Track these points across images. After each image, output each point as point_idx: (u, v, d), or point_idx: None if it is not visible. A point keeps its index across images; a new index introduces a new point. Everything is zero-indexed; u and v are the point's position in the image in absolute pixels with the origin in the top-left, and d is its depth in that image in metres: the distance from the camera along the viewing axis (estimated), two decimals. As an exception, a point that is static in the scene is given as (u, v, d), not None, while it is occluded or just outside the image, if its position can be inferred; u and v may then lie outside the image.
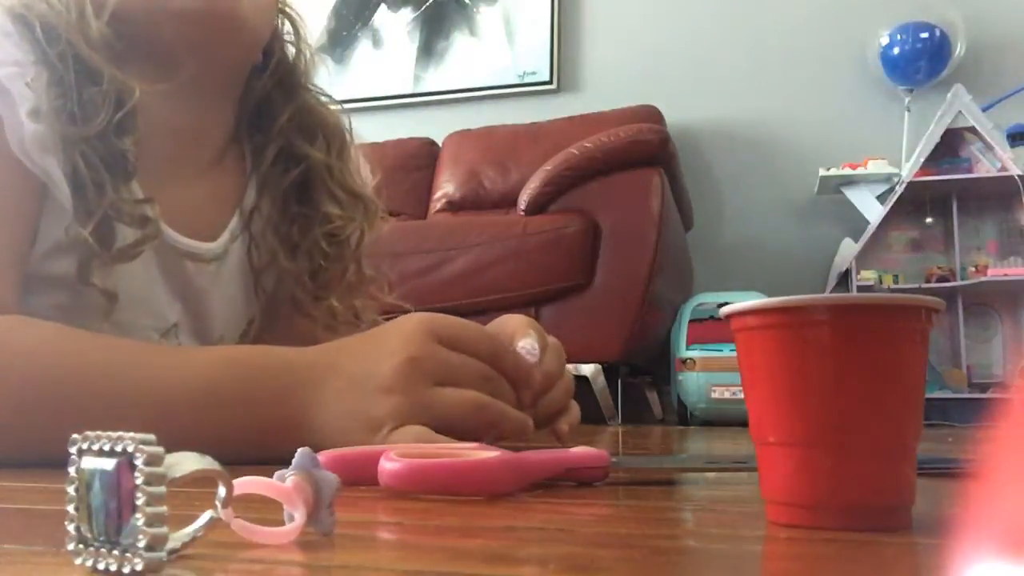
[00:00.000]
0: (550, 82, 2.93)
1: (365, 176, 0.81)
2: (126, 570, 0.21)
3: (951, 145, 2.31)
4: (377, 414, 0.51)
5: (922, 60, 2.45)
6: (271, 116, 0.73)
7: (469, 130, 2.81)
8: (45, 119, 0.58)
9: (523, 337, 0.58)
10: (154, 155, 0.64)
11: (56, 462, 0.41)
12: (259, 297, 0.75)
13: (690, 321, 2.18)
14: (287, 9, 0.76)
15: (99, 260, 0.59)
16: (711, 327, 2.13)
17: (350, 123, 0.79)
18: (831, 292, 2.37)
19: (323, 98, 0.77)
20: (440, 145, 2.84)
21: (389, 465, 0.39)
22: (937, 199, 2.36)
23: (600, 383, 2.04)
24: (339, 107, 0.79)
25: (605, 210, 2.02)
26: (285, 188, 0.74)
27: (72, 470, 0.22)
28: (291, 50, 0.75)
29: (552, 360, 0.60)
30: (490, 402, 0.52)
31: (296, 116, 0.74)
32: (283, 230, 0.74)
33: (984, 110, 2.27)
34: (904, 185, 2.27)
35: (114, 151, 0.60)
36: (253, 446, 0.51)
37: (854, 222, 2.45)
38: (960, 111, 2.24)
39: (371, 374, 0.52)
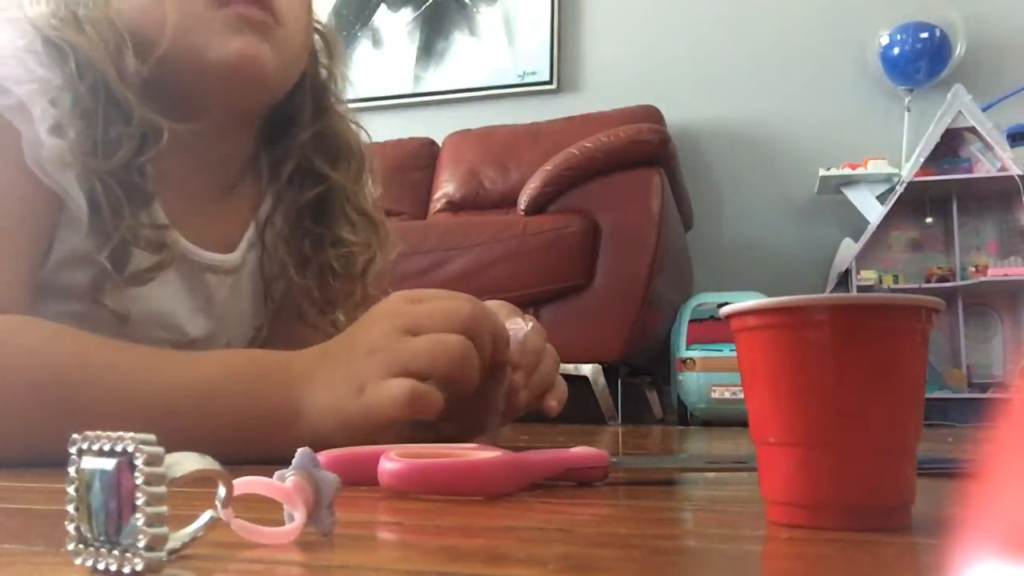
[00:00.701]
0: (550, 82, 2.93)
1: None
2: (126, 570, 0.21)
3: (951, 145, 2.31)
4: (359, 375, 0.53)
5: (922, 60, 2.45)
6: (292, 132, 0.74)
7: (469, 130, 2.81)
8: (66, 136, 0.58)
9: (507, 320, 0.60)
10: (174, 178, 0.65)
11: (56, 462, 0.41)
12: (268, 306, 0.76)
13: (690, 321, 2.18)
14: (323, 29, 0.76)
15: (112, 282, 0.60)
16: (711, 327, 2.13)
17: (371, 155, 0.79)
18: (831, 292, 2.37)
19: (349, 119, 0.78)
20: (440, 145, 2.84)
21: (389, 465, 0.39)
22: (937, 199, 2.36)
23: (600, 383, 2.04)
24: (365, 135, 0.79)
25: (605, 210, 2.02)
26: (301, 204, 0.74)
27: (72, 470, 0.22)
28: (323, 72, 0.75)
29: (535, 337, 0.61)
30: (455, 340, 0.52)
31: (319, 136, 0.74)
32: (295, 244, 0.74)
33: (984, 110, 2.27)
34: (904, 185, 2.28)
35: (134, 179, 0.61)
36: (254, 441, 0.52)
37: (854, 222, 2.45)
38: (960, 111, 2.24)
39: (354, 342, 0.55)
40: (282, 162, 0.74)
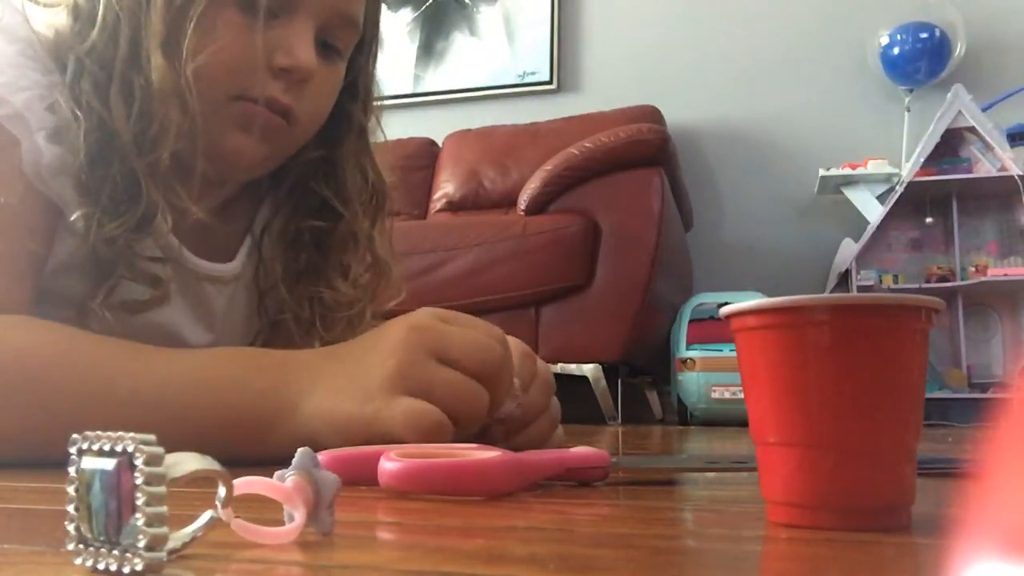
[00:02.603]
0: (550, 82, 2.93)
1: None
2: (126, 570, 0.21)
3: (951, 145, 2.31)
4: (370, 382, 0.51)
5: (922, 60, 2.45)
6: (298, 152, 0.71)
7: (469, 130, 2.81)
8: (64, 142, 0.58)
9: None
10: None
11: (46, 461, 0.41)
12: (262, 316, 0.75)
13: (690, 321, 2.18)
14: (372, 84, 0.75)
15: (98, 313, 0.59)
16: (711, 327, 2.13)
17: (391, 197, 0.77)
18: (831, 292, 2.37)
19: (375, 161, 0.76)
20: (440, 145, 2.84)
21: (389, 465, 0.39)
22: (937, 199, 2.36)
23: (600, 383, 2.04)
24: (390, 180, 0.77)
25: (605, 210, 2.02)
26: (301, 225, 0.73)
27: (72, 470, 0.22)
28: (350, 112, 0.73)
29: (536, 394, 0.59)
30: (480, 392, 0.51)
31: (327, 163, 0.72)
32: (290, 264, 0.73)
33: (984, 110, 2.27)
34: (904, 185, 2.28)
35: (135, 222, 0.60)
36: (245, 437, 0.51)
37: (854, 222, 2.46)
38: (960, 111, 2.25)
39: (370, 347, 0.53)
40: (283, 177, 0.72)
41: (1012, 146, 2.26)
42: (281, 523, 0.26)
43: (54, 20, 0.60)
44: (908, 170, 2.31)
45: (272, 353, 0.57)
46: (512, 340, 0.58)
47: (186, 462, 0.23)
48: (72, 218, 0.58)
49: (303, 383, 0.53)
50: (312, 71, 0.62)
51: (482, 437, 0.56)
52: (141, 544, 0.21)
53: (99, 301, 0.59)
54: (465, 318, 0.54)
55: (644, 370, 2.35)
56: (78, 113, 0.58)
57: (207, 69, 0.59)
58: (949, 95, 2.27)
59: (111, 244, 0.59)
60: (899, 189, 2.29)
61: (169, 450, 0.22)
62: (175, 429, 0.50)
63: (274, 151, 0.65)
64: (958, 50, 2.46)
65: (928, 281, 2.30)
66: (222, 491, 0.24)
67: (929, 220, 2.38)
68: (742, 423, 0.40)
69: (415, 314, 0.54)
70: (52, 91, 0.58)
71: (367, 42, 0.72)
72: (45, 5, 0.61)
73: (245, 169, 0.65)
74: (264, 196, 0.75)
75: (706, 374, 2.08)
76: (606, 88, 2.84)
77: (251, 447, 0.51)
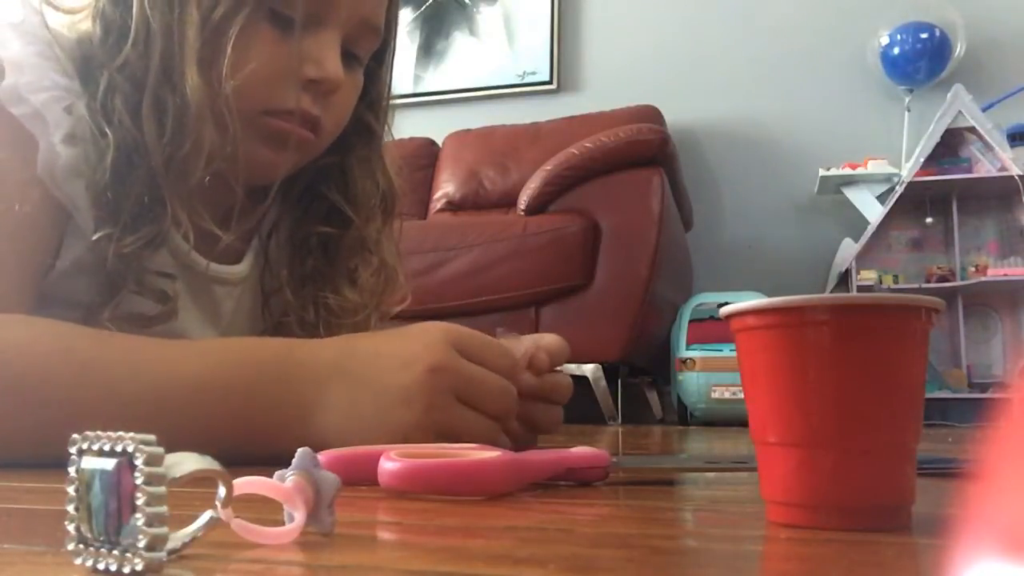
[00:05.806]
0: (550, 82, 2.93)
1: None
2: (126, 570, 0.21)
3: (951, 145, 2.31)
4: (397, 426, 0.51)
5: (922, 60, 2.45)
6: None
7: (469, 130, 2.81)
8: (79, 144, 0.57)
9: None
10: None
11: (45, 462, 0.41)
12: (266, 318, 0.74)
13: (690, 321, 2.18)
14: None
15: (104, 324, 0.59)
16: (711, 327, 2.13)
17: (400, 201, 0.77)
18: (831, 292, 2.37)
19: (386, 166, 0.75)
20: (440, 145, 2.84)
21: (389, 465, 0.39)
22: (937, 199, 2.36)
23: (600, 383, 2.04)
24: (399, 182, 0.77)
25: (605, 210, 2.02)
26: (309, 230, 0.72)
27: (72, 470, 0.22)
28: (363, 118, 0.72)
29: (541, 352, 0.60)
30: (500, 432, 0.54)
31: (336, 168, 0.72)
32: (296, 267, 0.72)
33: (984, 110, 2.27)
34: (904, 185, 2.28)
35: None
36: (248, 443, 0.50)
37: (854, 222, 2.46)
38: (960, 111, 2.25)
39: (387, 382, 0.52)
40: (294, 181, 0.72)
41: (1012, 146, 2.26)
42: (281, 523, 0.26)
43: (76, 25, 0.60)
44: (908, 170, 2.32)
45: (271, 350, 0.55)
46: (556, 339, 0.61)
47: (186, 462, 0.23)
48: (94, 238, 0.57)
49: (310, 397, 0.52)
50: (340, 83, 0.62)
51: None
52: (141, 544, 0.21)
53: (106, 316, 0.59)
54: (478, 346, 0.54)
55: (644, 370, 2.35)
56: (107, 130, 0.57)
57: (244, 86, 0.58)
58: (949, 95, 2.27)
59: (124, 259, 0.58)
60: (899, 189, 2.29)
61: (169, 451, 0.22)
62: (174, 434, 0.49)
63: (300, 160, 0.66)
64: (958, 50, 2.46)
65: (928, 281, 2.30)
66: (222, 491, 0.24)
67: (929, 220, 2.38)
68: (742, 423, 0.40)
69: (435, 346, 0.52)
70: (70, 93, 0.58)
71: (384, 49, 0.72)
72: (66, 11, 0.61)
73: (269, 177, 0.65)
74: (272, 197, 0.75)
75: (706, 374, 2.08)
76: (606, 88, 2.84)
77: (256, 451, 0.50)
